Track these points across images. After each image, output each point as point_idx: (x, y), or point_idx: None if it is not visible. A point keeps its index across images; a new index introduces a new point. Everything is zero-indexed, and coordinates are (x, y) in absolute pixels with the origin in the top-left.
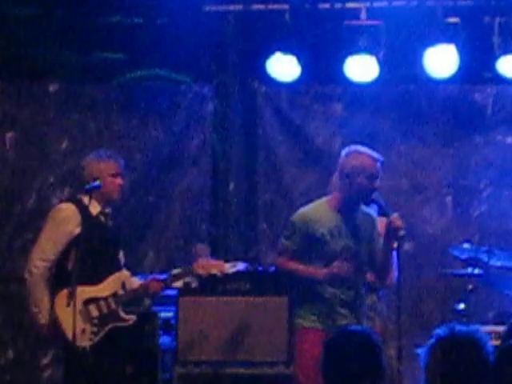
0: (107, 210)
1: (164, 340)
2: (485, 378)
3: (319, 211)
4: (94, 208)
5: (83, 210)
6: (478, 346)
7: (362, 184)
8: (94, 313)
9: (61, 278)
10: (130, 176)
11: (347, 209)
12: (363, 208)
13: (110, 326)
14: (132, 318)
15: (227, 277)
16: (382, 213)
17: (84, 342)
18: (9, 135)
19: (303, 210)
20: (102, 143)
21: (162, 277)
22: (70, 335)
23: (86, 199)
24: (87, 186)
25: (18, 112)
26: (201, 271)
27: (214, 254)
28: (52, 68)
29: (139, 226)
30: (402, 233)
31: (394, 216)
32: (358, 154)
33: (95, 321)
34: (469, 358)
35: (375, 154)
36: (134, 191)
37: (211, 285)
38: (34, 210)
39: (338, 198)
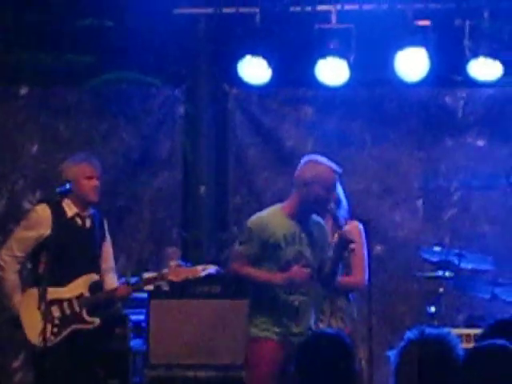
0: (86, 213)
1: (135, 343)
2: (455, 380)
3: (275, 217)
4: (70, 210)
5: (57, 211)
6: (448, 348)
7: (319, 194)
8: (56, 313)
9: (32, 278)
10: (101, 179)
11: (301, 216)
12: (314, 216)
13: (71, 327)
14: (96, 320)
15: (198, 280)
16: (336, 225)
17: (42, 343)
18: None
19: (260, 214)
20: (72, 146)
21: (133, 280)
22: (29, 334)
23: (64, 201)
24: (58, 189)
25: None
26: (174, 278)
27: (185, 258)
28: (22, 71)
29: (109, 230)
30: (352, 246)
31: (347, 229)
32: (317, 164)
33: (56, 321)
34: (439, 360)
35: (334, 166)
36: (104, 194)
37: (182, 288)
38: (5, 213)
39: (293, 206)
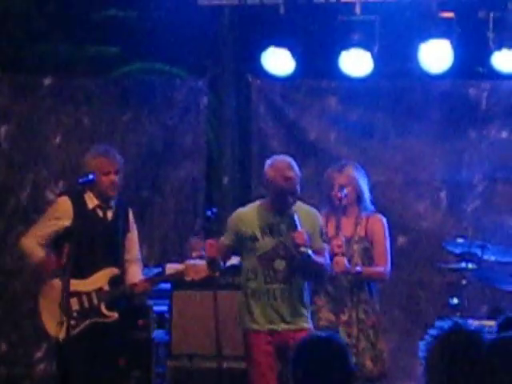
0: (108, 204)
1: (158, 333)
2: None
3: (252, 211)
4: (91, 201)
5: (78, 203)
6: (480, 341)
7: (278, 186)
8: (75, 306)
9: (54, 270)
10: (124, 170)
11: (279, 209)
12: (304, 207)
13: (89, 320)
14: (114, 314)
15: (222, 271)
16: (293, 224)
17: (60, 334)
18: (3, 129)
19: (238, 210)
20: (96, 137)
21: (155, 271)
22: (48, 325)
23: (86, 193)
24: (80, 180)
25: (12, 105)
26: (193, 276)
27: None
28: (47, 62)
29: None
30: (302, 249)
31: (298, 232)
32: (274, 161)
33: (74, 314)
34: (472, 352)
35: (289, 160)
36: (127, 185)
37: (205, 278)
38: (28, 203)
39: (269, 200)
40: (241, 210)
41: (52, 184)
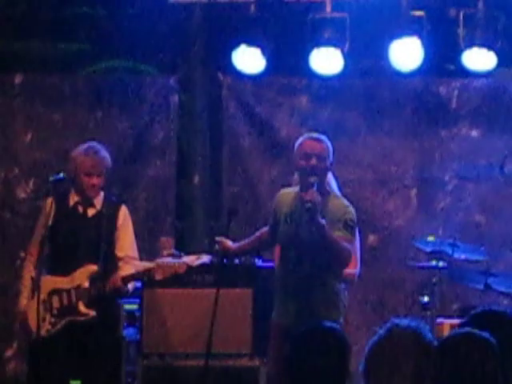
0: (91, 201)
1: (128, 332)
2: (429, 367)
3: (290, 194)
4: (73, 199)
5: (61, 201)
6: (420, 338)
7: (300, 165)
8: (56, 304)
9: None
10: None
11: (301, 194)
12: (337, 199)
13: (67, 318)
14: (90, 312)
15: (192, 269)
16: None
17: (42, 332)
18: None
19: (283, 189)
20: (66, 135)
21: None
22: (31, 323)
23: (71, 191)
24: (51, 178)
25: None
26: (159, 275)
27: (179, 247)
28: (17, 59)
29: None
30: (308, 205)
31: (309, 192)
32: (300, 139)
33: (55, 312)
34: (412, 351)
35: (316, 135)
36: None
37: (176, 277)
38: None
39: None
40: (284, 190)
41: (23, 182)
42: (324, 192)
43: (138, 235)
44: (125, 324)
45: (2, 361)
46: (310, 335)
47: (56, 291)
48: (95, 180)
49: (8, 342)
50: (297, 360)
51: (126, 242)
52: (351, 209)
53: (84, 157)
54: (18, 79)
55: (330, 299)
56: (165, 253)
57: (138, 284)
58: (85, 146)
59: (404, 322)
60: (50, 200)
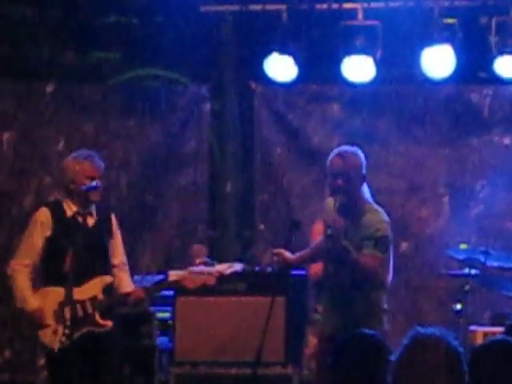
0: (88, 210)
1: (161, 340)
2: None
3: (330, 204)
4: (70, 209)
5: (57, 212)
6: (444, 346)
7: (328, 185)
8: (68, 315)
9: (48, 278)
10: (127, 176)
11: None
12: (372, 213)
13: (83, 330)
14: (108, 323)
15: (224, 277)
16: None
17: (54, 344)
18: (6, 136)
19: (327, 198)
20: (98, 143)
21: (158, 278)
22: (42, 335)
23: (64, 201)
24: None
25: (15, 112)
26: (189, 285)
27: (211, 255)
28: (49, 68)
29: (136, 227)
30: (328, 232)
31: (331, 216)
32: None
33: (68, 323)
34: (436, 359)
35: (341, 150)
36: (131, 191)
37: (208, 285)
38: (31, 210)
39: None
40: (329, 198)
41: (55, 191)
42: (354, 208)
43: (170, 243)
44: (158, 332)
45: (35, 369)
46: (350, 343)
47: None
48: (97, 183)
49: (41, 351)
50: (338, 367)
51: (119, 249)
52: (385, 224)
53: (85, 161)
54: (49, 88)
55: (369, 309)
56: (197, 261)
57: (171, 292)
58: (80, 152)
59: (428, 330)
60: (44, 210)
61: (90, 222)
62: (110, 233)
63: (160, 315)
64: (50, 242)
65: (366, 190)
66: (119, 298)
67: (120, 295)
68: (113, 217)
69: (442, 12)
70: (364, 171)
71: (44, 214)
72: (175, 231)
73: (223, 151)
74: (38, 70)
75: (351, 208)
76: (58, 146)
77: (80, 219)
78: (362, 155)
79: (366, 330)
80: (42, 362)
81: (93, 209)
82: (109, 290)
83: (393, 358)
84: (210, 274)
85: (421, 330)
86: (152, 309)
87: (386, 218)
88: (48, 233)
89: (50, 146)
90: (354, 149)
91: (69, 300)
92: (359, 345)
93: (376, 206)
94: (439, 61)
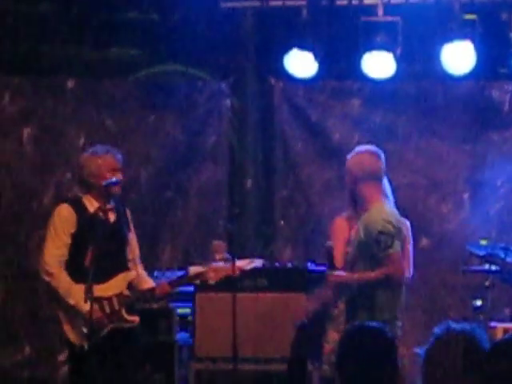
0: (109, 206)
1: (181, 336)
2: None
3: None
4: (91, 204)
5: (79, 208)
6: (474, 342)
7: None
8: (96, 312)
9: (72, 275)
10: (147, 172)
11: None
12: (369, 215)
13: (111, 326)
14: (135, 319)
15: (244, 273)
16: None
17: (83, 342)
18: (26, 131)
19: None
20: (119, 139)
21: (179, 273)
22: (68, 332)
23: (84, 197)
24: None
25: (35, 108)
26: (212, 278)
27: (231, 251)
28: (69, 64)
29: (156, 222)
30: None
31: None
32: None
33: (95, 320)
34: (465, 355)
35: (352, 152)
36: (151, 187)
37: (228, 281)
38: (51, 206)
39: None
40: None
41: (75, 186)
42: (358, 206)
43: (190, 239)
44: (177, 328)
45: (54, 365)
46: (356, 335)
47: (94, 299)
48: (120, 176)
49: (61, 347)
50: (344, 360)
51: (134, 243)
52: (382, 222)
53: (106, 155)
54: (70, 84)
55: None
56: (217, 257)
57: (190, 288)
58: (98, 147)
59: (459, 325)
60: (66, 206)
61: (112, 217)
62: (128, 227)
63: (180, 311)
64: (74, 238)
65: (376, 188)
66: (145, 293)
67: (146, 290)
68: (128, 212)
69: (463, 8)
70: (372, 170)
71: (67, 210)
72: (195, 227)
73: (243, 147)
74: (58, 66)
75: (355, 206)
76: (78, 142)
77: (102, 215)
78: (372, 155)
79: (372, 323)
80: (61, 358)
81: (112, 204)
82: (133, 285)
83: (420, 351)
84: (231, 268)
85: (452, 324)
86: (172, 304)
87: (385, 216)
88: (72, 229)
89: (70, 141)
90: (365, 148)
91: (90, 296)
92: (364, 338)
93: (382, 205)
94: (459, 57)
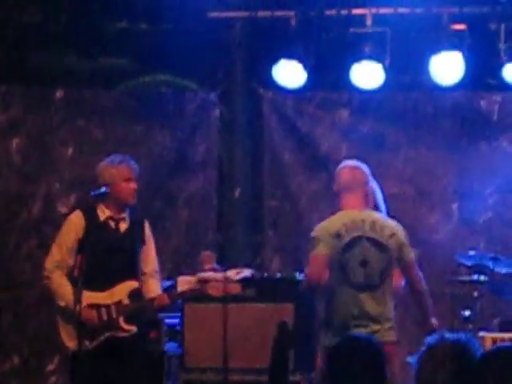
0: (121, 216)
1: (169, 346)
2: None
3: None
4: (103, 213)
5: (90, 215)
6: (467, 352)
7: None
8: (93, 319)
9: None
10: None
11: None
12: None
13: (107, 334)
14: (133, 328)
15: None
16: None
17: (76, 347)
18: (15, 141)
19: None
20: (107, 149)
21: (167, 283)
22: (64, 338)
23: (98, 206)
24: (92, 193)
25: (24, 118)
26: (214, 293)
27: (220, 261)
28: (58, 74)
29: None
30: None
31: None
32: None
33: (92, 327)
34: (458, 365)
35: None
36: (139, 197)
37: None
38: (40, 216)
39: None
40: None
41: (64, 197)
42: None
43: (179, 249)
44: (166, 338)
45: (43, 375)
46: (347, 347)
47: (93, 306)
48: (135, 185)
49: (50, 356)
50: (332, 371)
51: (151, 257)
52: (317, 228)
53: (123, 165)
54: (58, 94)
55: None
56: (206, 267)
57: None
58: (113, 157)
59: (453, 335)
60: (78, 214)
61: (123, 227)
62: (141, 239)
63: (168, 321)
64: (79, 244)
65: (377, 191)
66: (144, 303)
67: (144, 301)
68: (146, 223)
69: (451, 18)
70: (345, 182)
71: (77, 217)
72: (184, 237)
73: (232, 157)
74: (47, 76)
75: None
76: (67, 152)
77: (112, 224)
78: (348, 169)
79: (361, 334)
80: (50, 367)
81: (126, 214)
82: (135, 295)
83: (412, 360)
84: (226, 279)
85: (446, 334)
86: (160, 315)
87: (325, 222)
88: (80, 235)
89: (58, 151)
90: (345, 163)
91: (78, 304)
92: (353, 349)
93: (341, 213)
94: (448, 67)
